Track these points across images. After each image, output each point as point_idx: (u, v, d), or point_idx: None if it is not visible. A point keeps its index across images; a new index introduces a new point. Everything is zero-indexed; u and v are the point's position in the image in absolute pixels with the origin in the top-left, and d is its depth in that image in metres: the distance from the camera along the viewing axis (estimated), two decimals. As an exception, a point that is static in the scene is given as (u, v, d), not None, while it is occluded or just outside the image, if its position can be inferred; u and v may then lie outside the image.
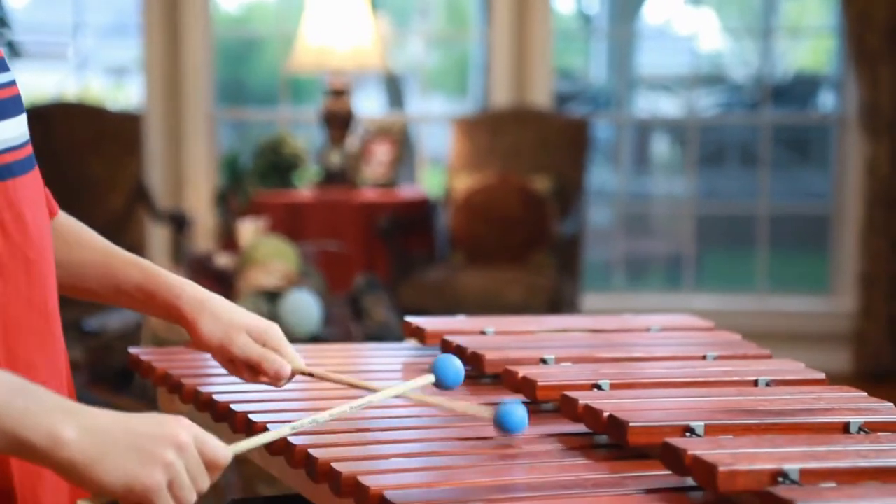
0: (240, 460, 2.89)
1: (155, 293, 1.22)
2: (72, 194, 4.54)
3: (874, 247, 4.92)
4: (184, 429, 0.95)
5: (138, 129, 4.85)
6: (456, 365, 1.23)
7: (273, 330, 1.24)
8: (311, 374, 1.25)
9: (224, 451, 0.98)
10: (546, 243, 4.65)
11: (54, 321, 1.09)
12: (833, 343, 4.96)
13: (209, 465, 0.97)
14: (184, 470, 0.94)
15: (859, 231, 5.00)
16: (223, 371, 1.44)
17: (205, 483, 0.96)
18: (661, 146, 6.68)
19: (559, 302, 4.41)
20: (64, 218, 1.25)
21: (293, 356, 1.24)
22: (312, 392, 1.39)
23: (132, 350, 1.53)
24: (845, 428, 1.11)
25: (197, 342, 1.23)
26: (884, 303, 4.91)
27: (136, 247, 4.78)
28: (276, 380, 1.23)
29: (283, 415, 1.22)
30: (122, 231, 4.68)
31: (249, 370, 1.23)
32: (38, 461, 0.92)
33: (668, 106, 6.30)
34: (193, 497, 0.95)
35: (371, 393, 1.21)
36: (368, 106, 5.67)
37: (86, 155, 4.72)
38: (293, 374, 1.24)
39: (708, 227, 5.54)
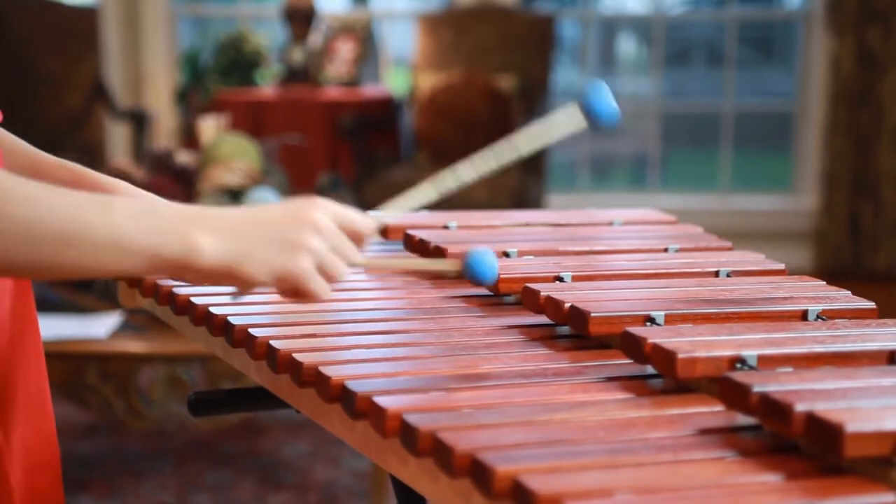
0: (205, 358, 2.88)
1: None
2: (28, 92, 4.45)
3: (837, 145, 4.95)
4: (320, 209, 0.95)
5: (95, 25, 4.73)
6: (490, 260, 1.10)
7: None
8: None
9: (366, 222, 0.99)
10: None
11: None
12: (794, 240, 5.02)
13: (354, 237, 0.97)
14: (328, 249, 0.94)
15: (822, 129, 5.02)
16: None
17: (354, 255, 0.97)
18: (627, 45, 6.63)
19: (524, 202, 4.41)
20: None
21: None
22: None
23: (91, 245, 1.50)
24: (803, 316, 1.13)
25: None
26: (845, 201, 4.96)
27: (96, 145, 4.71)
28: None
29: (243, 307, 1.22)
30: (81, 129, 4.61)
31: None
32: (182, 273, 0.93)
33: (634, 3, 6.23)
34: (345, 272, 0.96)
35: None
36: (331, 2, 5.57)
37: (41, 51, 4.61)
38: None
39: (673, 127, 5.54)
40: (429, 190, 1.11)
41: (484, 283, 1.11)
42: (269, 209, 0.95)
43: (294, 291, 0.95)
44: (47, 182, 1.16)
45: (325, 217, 0.94)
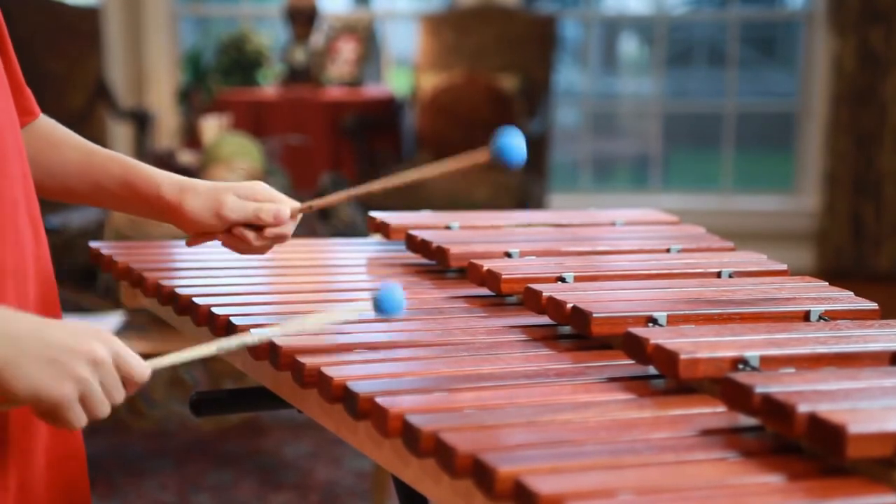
0: (207, 358, 2.90)
1: (135, 185, 1.20)
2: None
3: (839, 145, 4.94)
4: (101, 343, 0.93)
5: (97, 25, 4.74)
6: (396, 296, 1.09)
7: (259, 185, 1.22)
8: (310, 208, 1.23)
9: (142, 367, 0.96)
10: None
11: (18, 214, 1.07)
12: (796, 241, 5.02)
13: (126, 380, 0.95)
14: (97, 384, 0.92)
15: (824, 129, 5.02)
16: (186, 264, 1.44)
17: (119, 397, 0.94)
18: (628, 45, 6.63)
19: (526, 202, 4.41)
20: (44, 120, 1.23)
21: (287, 199, 1.22)
22: (276, 286, 1.39)
23: (93, 244, 1.51)
24: (806, 316, 1.13)
25: (187, 224, 1.21)
26: (847, 201, 4.96)
27: (98, 145, 4.71)
28: (279, 222, 1.20)
29: (246, 307, 1.22)
30: (83, 129, 4.59)
31: (251, 230, 1.20)
32: None
33: (636, 3, 6.22)
34: (106, 410, 0.93)
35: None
36: (333, 2, 5.57)
37: (43, 51, 4.62)
38: (293, 213, 1.21)
39: (675, 127, 5.54)
40: (208, 347, 1.06)
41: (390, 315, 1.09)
42: (59, 328, 0.93)
43: (49, 416, 0.92)
44: (98, 175, 1.19)
45: (103, 350, 0.92)
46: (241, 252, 1.24)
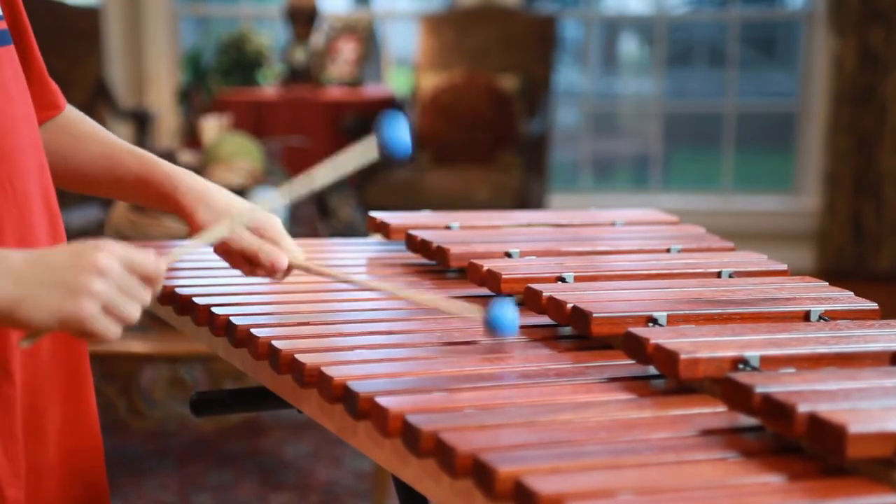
0: (207, 358, 2.88)
1: (153, 183, 1.20)
2: (30, 92, 4.44)
3: (839, 145, 4.94)
4: (103, 252, 0.93)
5: (97, 25, 4.73)
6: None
7: (272, 222, 1.20)
8: (307, 269, 1.22)
9: (154, 262, 0.96)
10: (513, 143, 4.63)
11: (33, 208, 1.08)
12: (797, 241, 5.02)
13: (144, 279, 0.95)
14: (115, 292, 0.92)
15: (825, 129, 5.02)
16: (186, 264, 1.43)
17: (145, 296, 0.95)
18: (629, 45, 6.63)
19: (526, 202, 4.41)
20: (70, 112, 1.23)
21: (292, 249, 1.21)
22: (276, 286, 1.39)
23: (93, 245, 1.51)
24: (806, 316, 1.12)
25: (193, 230, 1.21)
26: (847, 201, 4.96)
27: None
28: (272, 272, 1.20)
29: (246, 307, 1.22)
30: (84, 130, 4.60)
31: (247, 262, 1.21)
32: None
33: (636, 3, 6.23)
34: (136, 312, 0.94)
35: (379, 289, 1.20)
36: (333, 2, 5.56)
37: (43, 51, 4.61)
38: (290, 267, 1.20)
39: (675, 127, 5.54)
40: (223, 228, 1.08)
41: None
42: (54, 253, 0.93)
43: (81, 333, 0.93)
44: (118, 170, 1.20)
45: (109, 260, 0.93)
46: (233, 268, 1.25)
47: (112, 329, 0.93)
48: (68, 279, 0.91)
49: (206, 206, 1.19)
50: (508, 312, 1.06)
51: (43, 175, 1.10)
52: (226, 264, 1.41)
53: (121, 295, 0.93)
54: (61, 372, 1.11)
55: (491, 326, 1.07)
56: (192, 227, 1.20)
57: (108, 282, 0.92)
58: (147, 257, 0.96)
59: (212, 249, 1.24)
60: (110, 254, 0.93)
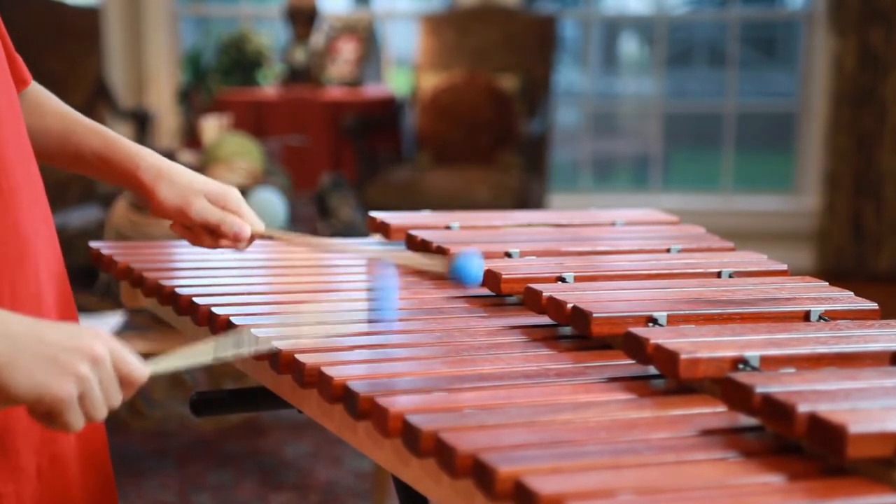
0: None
1: (113, 160, 1.21)
2: (30, 92, 4.44)
3: (839, 145, 4.94)
4: (100, 342, 0.92)
5: (97, 25, 4.74)
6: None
7: (232, 193, 1.23)
8: (270, 237, 1.24)
9: (140, 369, 0.94)
10: (513, 143, 4.63)
11: (21, 201, 1.07)
12: (796, 241, 5.02)
13: (124, 382, 0.93)
14: (97, 384, 0.91)
15: (825, 130, 5.02)
16: (186, 264, 1.44)
17: (117, 399, 0.93)
18: (628, 45, 6.63)
19: (526, 202, 4.41)
20: (34, 87, 1.24)
21: (253, 219, 1.23)
22: (276, 286, 1.39)
23: (93, 244, 1.51)
24: (806, 316, 1.13)
25: (155, 209, 1.22)
26: (847, 201, 4.96)
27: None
28: (235, 241, 1.22)
29: (246, 307, 1.22)
30: (84, 130, 4.60)
31: (209, 235, 1.22)
32: None
33: (636, 3, 6.23)
34: (104, 412, 0.92)
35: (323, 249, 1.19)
36: (333, 2, 5.56)
37: (43, 51, 4.62)
38: (253, 236, 1.23)
39: (675, 127, 5.54)
40: (205, 350, 1.04)
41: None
42: (57, 328, 0.92)
43: (48, 417, 0.91)
44: (78, 146, 1.20)
45: (102, 349, 0.91)
46: (195, 245, 1.25)
47: (78, 422, 0.91)
48: (61, 357, 0.89)
49: (167, 183, 1.20)
50: (473, 263, 1.09)
51: (30, 165, 1.09)
52: (226, 264, 1.41)
53: (100, 389, 0.91)
54: None
55: (456, 276, 1.09)
56: (154, 205, 1.21)
57: (95, 372, 0.91)
58: (136, 362, 0.94)
59: (169, 225, 1.25)
60: (105, 345, 0.92)
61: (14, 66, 1.18)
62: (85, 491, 1.12)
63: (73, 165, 1.24)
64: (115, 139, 1.22)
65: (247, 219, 1.22)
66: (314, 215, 3.52)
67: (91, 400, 0.91)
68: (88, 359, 0.90)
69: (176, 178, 1.21)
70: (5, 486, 1.03)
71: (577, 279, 1.26)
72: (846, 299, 1.18)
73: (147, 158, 1.21)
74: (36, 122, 1.22)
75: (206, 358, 1.03)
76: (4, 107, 1.06)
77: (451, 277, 1.11)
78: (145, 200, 1.22)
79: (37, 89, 1.24)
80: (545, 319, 1.16)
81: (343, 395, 0.97)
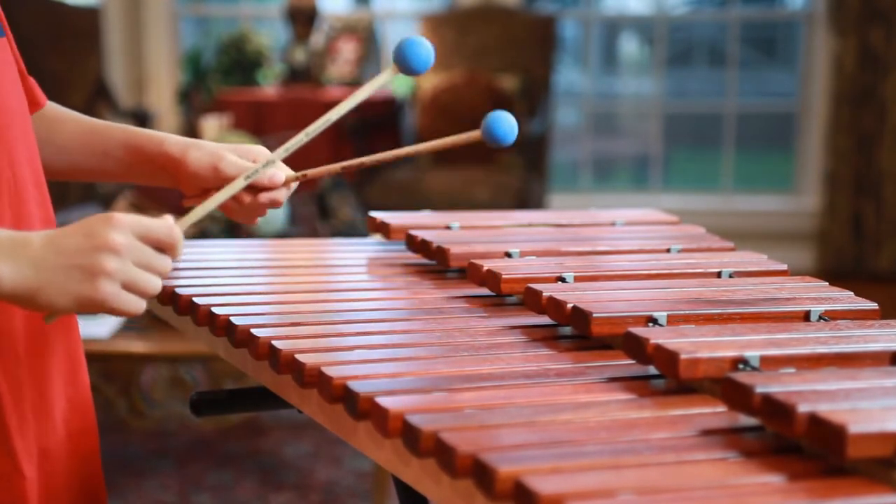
0: (207, 358, 2.88)
1: (139, 144, 1.22)
2: (30, 92, 4.44)
3: (839, 145, 4.94)
4: (117, 230, 0.92)
5: (97, 25, 4.74)
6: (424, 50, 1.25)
7: (259, 148, 1.24)
8: (304, 176, 1.25)
9: (169, 228, 0.95)
10: (513, 143, 4.63)
11: (28, 197, 1.08)
12: (797, 241, 5.02)
13: (161, 247, 0.94)
14: (131, 268, 0.92)
15: (825, 129, 5.02)
16: (186, 264, 1.43)
17: (166, 265, 0.94)
18: (629, 45, 6.63)
19: (526, 202, 4.41)
20: (49, 105, 1.25)
21: (284, 166, 1.24)
22: (276, 286, 1.39)
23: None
24: (806, 316, 1.12)
25: (189, 179, 1.22)
26: (848, 201, 4.96)
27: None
28: (272, 186, 1.22)
29: (246, 307, 1.22)
30: (84, 130, 4.60)
31: (246, 190, 1.22)
32: None
33: (636, 3, 6.23)
34: (157, 283, 0.94)
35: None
36: (333, 2, 5.57)
37: (44, 51, 4.62)
38: (289, 180, 1.23)
39: (675, 127, 5.54)
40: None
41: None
42: (67, 235, 0.92)
43: (103, 311, 0.93)
44: (104, 142, 1.23)
45: (122, 236, 0.92)
46: (234, 215, 1.25)
47: (134, 304, 0.93)
48: (83, 263, 0.90)
49: (195, 148, 1.22)
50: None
51: (34, 164, 1.11)
52: (226, 264, 1.41)
53: (138, 269, 0.92)
54: (59, 353, 1.12)
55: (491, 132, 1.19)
56: (185, 174, 1.21)
57: (123, 259, 0.91)
58: (161, 225, 0.95)
59: (183, 202, 1.26)
60: (122, 228, 0.92)
61: (28, 89, 1.19)
62: (71, 491, 1.12)
63: (100, 165, 1.25)
64: (135, 128, 1.25)
65: (278, 166, 1.22)
66: (314, 215, 3.52)
67: (135, 282, 0.92)
68: (111, 252, 0.91)
69: (202, 144, 1.23)
70: (32, 470, 1.05)
71: (577, 279, 1.25)
72: (846, 299, 1.18)
73: (170, 136, 1.23)
74: (58, 131, 1.23)
75: (234, 189, 1.11)
76: (15, 108, 1.07)
77: (485, 135, 1.17)
78: (177, 175, 1.22)
79: (54, 106, 1.26)
80: (545, 319, 1.16)
81: (343, 395, 0.97)
